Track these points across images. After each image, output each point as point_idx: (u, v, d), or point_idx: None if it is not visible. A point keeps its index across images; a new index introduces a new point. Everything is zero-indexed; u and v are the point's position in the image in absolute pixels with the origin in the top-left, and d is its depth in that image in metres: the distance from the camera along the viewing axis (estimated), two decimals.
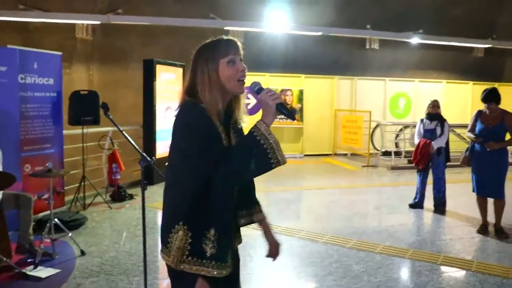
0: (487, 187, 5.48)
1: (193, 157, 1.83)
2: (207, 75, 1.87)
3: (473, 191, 5.67)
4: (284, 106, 1.83)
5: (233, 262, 2.01)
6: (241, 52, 1.94)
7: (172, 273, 1.94)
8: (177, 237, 1.87)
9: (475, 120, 5.60)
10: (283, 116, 2.07)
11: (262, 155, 1.73)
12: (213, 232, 1.87)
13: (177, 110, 1.92)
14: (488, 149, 5.37)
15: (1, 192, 4.27)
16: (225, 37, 1.94)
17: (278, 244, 2.25)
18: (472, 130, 5.62)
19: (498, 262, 4.65)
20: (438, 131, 6.50)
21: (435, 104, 6.62)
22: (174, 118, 1.91)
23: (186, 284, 1.89)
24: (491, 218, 5.69)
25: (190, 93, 1.90)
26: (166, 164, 2.02)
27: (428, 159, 6.55)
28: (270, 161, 1.74)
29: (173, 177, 1.97)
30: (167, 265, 1.94)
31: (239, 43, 1.94)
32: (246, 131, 1.89)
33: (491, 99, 5.42)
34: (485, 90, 5.52)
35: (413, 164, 6.91)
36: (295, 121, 1.81)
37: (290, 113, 1.86)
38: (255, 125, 1.77)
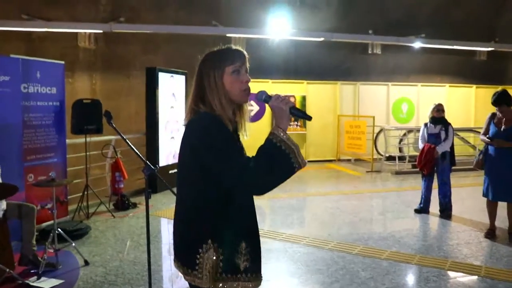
0: (500, 191, 5.38)
1: (218, 170, 1.76)
2: (214, 82, 1.85)
3: (484, 195, 5.58)
4: (297, 109, 1.84)
5: None
6: (247, 63, 1.92)
7: None
8: (207, 256, 1.80)
9: (489, 123, 5.52)
10: (298, 122, 2.06)
11: (284, 160, 1.73)
12: (244, 245, 1.85)
13: (192, 121, 1.86)
14: (496, 147, 5.31)
15: (5, 202, 4.25)
16: (233, 47, 1.93)
17: None
18: (485, 133, 5.54)
19: (507, 267, 4.58)
20: (443, 135, 6.45)
21: (439, 108, 6.57)
22: (187, 129, 1.85)
23: None
24: (498, 223, 5.63)
25: (200, 102, 1.87)
26: (177, 178, 1.94)
27: (433, 164, 6.50)
28: (293, 166, 1.74)
29: (191, 193, 1.86)
30: (195, 286, 1.85)
31: (246, 54, 1.92)
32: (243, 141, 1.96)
33: (502, 102, 5.37)
34: (495, 93, 5.47)
35: (417, 169, 6.86)
36: (311, 120, 1.77)
37: (305, 114, 1.88)
38: (273, 133, 1.76)
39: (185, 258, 1.85)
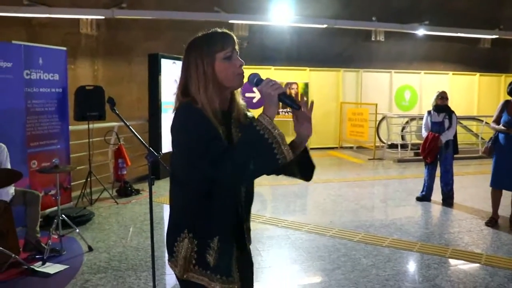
0: (506, 179, 5.36)
1: (194, 160, 1.69)
2: (202, 71, 1.73)
3: (491, 185, 5.55)
4: (287, 96, 1.71)
5: (245, 270, 1.91)
6: (237, 47, 1.79)
7: (180, 283, 1.85)
8: (182, 245, 1.77)
9: (501, 111, 5.42)
10: (288, 109, 1.95)
11: (267, 150, 1.59)
12: (217, 242, 1.76)
13: (174, 113, 1.77)
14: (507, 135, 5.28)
15: (13, 187, 4.28)
16: (219, 30, 1.79)
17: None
18: (497, 120, 5.46)
19: (508, 255, 4.61)
20: (446, 123, 6.42)
21: (443, 96, 6.53)
22: (172, 121, 1.76)
23: None
24: (499, 211, 5.65)
25: (185, 92, 1.76)
26: (169, 166, 1.93)
27: (437, 153, 6.49)
28: (276, 157, 1.59)
29: (175, 182, 1.86)
30: (175, 275, 1.84)
31: (235, 37, 1.80)
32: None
33: None
34: (511, 83, 5.39)
35: (419, 157, 6.87)
36: (300, 109, 1.64)
37: (294, 102, 1.73)
38: (257, 119, 1.63)
39: (168, 244, 1.86)
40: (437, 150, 6.45)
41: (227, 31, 1.80)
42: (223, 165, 1.60)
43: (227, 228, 1.79)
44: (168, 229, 1.88)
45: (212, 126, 1.68)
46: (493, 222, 5.57)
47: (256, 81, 1.76)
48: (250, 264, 2.02)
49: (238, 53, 1.79)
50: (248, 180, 1.74)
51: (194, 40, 1.80)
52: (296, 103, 1.73)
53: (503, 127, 5.36)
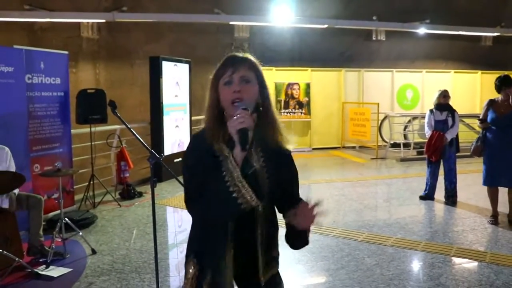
0: (500, 177, 5.39)
1: (185, 188, 1.75)
2: (210, 99, 1.74)
3: (484, 184, 5.58)
4: (243, 133, 1.58)
5: None
6: (246, 67, 1.71)
7: None
8: (188, 266, 1.83)
9: (487, 110, 5.51)
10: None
11: (226, 193, 1.56)
12: (210, 275, 1.75)
13: None
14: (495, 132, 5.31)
15: (17, 192, 4.29)
16: (230, 54, 1.76)
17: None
18: (483, 119, 5.53)
19: None
20: (450, 121, 6.43)
21: (445, 94, 6.54)
22: None
23: None
24: (501, 208, 5.63)
25: None
26: None
27: (441, 151, 6.47)
28: (237, 201, 1.55)
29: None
30: None
31: (243, 57, 1.74)
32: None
33: (510, 84, 5.35)
34: (499, 78, 5.44)
35: (422, 156, 6.85)
36: (244, 151, 1.58)
37: (245, 143, 1.59)
38: (225, 160, 1.60)
39: (185, 259, 1.89)
40: (442, 148, 6.44)
41: (236, 54, 1.76)
42: (189, 207, 1.69)
43: (220, 263, 1.74)
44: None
45: (199, 159, 1.68)
46: (495, 219, 5.56)
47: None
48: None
49: (245, 76, 1.70)
50: (212, 222, 1.73)
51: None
52: (244, 145, 1.59)
53: (480, 124, 5.50)
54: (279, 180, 1.79)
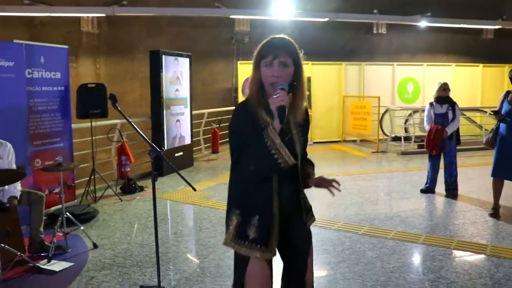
0: (508, 170, 5.34)
1: (232, 150, 2.14)
2: (252, 75, 2.12)
3: (492, 175, 5.52)
4: (281, 110, 1.96)
5: (298, 243, 2.28)
6: (285, 53, 2.05)
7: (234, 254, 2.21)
8: (231, 221, 2.16)
9: (503, 101, 5.40)
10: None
11: (268, 155, 1.97)
12: (257, 219, 2.10)
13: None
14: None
15: (20, 188, 4.28)
16: (272, 37, 2.11)
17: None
18: (497, 111, 5.43)
19: None
20: (450, 115, 6.39)
21: (446, 87, 6.50)
22: None
23: (239, 261, 2.18)
24: (503, 202, 5.62)
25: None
26: None
27: (442, 145, 6.46)
28: (278, 161, 1.98)
29: (231, 166, 2.21)
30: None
31: (285, 43, 2.09)
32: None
33: None
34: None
35: (423, 149, 6.84)
36: (282, 124, 2.01)
37: (283, 117, 1.97)
38: (266, 129, 1.98)
39: (226, 220, 2.22)
40: (442, 142, 6.42)
41: (280, 38, 2.11)
42: (240, 161, 2.10)
43: (265, 209, 2.11)
44: (227, 205, 2.25)
45: (250, 121, 2.03)
46: (496, 212, 5.55)
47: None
48: (307, 239, 2.32)
49: (285, 62, 2.05)
50: (258, 176, 2.09)
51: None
52: (283, 119, 1.98)
53: (493, 115, 5.38)
54: (306, 138, 2.28)
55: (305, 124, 2.24)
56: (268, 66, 2.05)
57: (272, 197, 2.12)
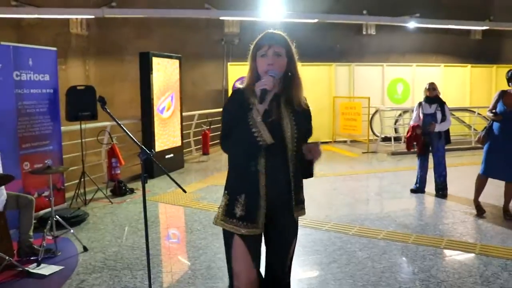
0: (499, 169, 5.35)
1: (223, 124, 2.27)
2: (250, 66, 2.28)
3: (482, 173, 5.53)
4: (263, 92, 2.14)
5: (283, 231, 2.38)
6: (279, 44, 2.23)
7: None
8: (222, 200, 2.33)
9: (497, 101, 5.40)
10: None
11: (248, 132, 2.12)
12: (244, 197, 2.23)
13: None
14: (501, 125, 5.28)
15: (5, 192, 4.23)
16: (268, 31, 2.31)
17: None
18: (492, 110, 5.43)
19: (501, 244, 4.64)
20: (439, 115, 6.42)
21: (433, 87, 6.52)
22: None
23: (226, 238, 2.32)
24: (493, 201, 5.67)
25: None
26: None
27: (423, 142, 6.49)
28: (257, 138, 2.12)
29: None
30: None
31: (279, 36, 2.28)
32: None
33: None
34: (510, 71, 5.39)
35: (413, 149, 6.86)
36: (261, 105, 2.20)
37: (261, 98, 2.15)
38: (251, 109, 2.16)
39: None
40: (419, 139, 6.47)
41: (274, 31, 2.32)
42: (223, 143, 2.26)
43: (251, 188, 2.22)
44: None
45: (239, 106, 2.19)
46: (481, 209, 5.60)
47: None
48: (294, 227, 2.43)
49: (279, 52, 2.22)
50: (241, 153, 2.24)
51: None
52: (262, 100, 2.16)
53: (491, 114, 5.38)
54: (302, 128, 2.35)
55: (302, 113, 2.36)
56: (263, 56, 2.22)
57: (258, 178, 2.22)
